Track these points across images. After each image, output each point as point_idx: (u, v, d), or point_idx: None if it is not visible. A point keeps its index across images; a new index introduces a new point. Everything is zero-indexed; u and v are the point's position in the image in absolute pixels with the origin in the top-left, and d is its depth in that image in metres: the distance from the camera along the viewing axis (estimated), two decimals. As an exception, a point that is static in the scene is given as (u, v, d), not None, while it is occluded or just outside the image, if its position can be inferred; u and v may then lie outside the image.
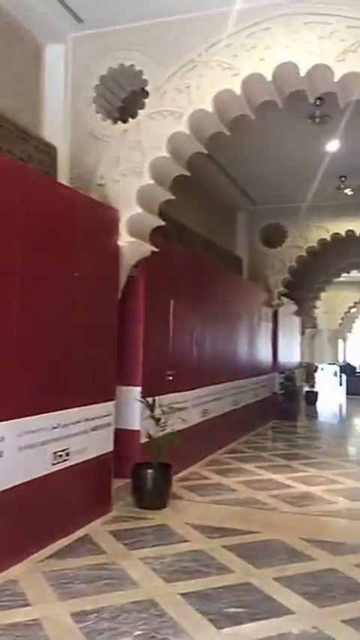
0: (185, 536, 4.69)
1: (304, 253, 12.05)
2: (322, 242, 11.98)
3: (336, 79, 4.87)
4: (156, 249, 5.86)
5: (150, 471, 5.43)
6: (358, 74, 4.82)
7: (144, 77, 5.44)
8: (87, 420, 4.87)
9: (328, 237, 11.90)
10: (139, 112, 5.47)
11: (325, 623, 3.22)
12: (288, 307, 13.82)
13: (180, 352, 7.10)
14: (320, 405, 15.74)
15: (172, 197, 5.80)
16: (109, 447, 5.24)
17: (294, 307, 14.67)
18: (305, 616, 3.32)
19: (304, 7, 4.95)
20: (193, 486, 6.33)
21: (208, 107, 5.18)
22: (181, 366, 7.01)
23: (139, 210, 5.44)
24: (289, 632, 3.12)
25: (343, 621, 3.25)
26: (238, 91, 5.11)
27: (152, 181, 5.41)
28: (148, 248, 5.78)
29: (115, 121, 5.66)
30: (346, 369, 21.41)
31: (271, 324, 12.47)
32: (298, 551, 4.40)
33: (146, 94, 5.45)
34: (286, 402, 12.56)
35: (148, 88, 5.43)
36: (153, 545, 4.46)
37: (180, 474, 6.65)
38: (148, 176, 5.39)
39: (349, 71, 4.82)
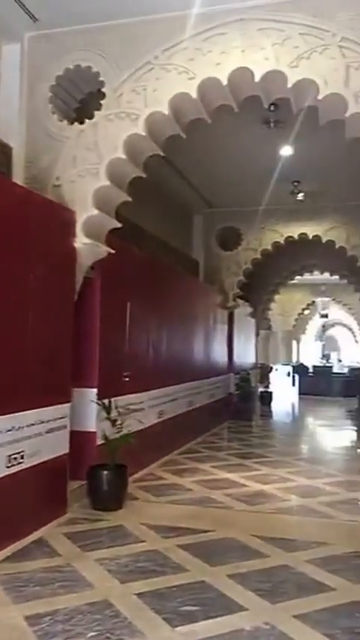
0: (141, 536, 4.68)
1: (258, 256, 12.22)
2: (276, 245, 12.17)
3: (289, 85, 4.96)
4: (112, 251, 5.83)
5: (106, 472, 5.40)
6: (310, 81, 4.91)
7: (100, 78, 5.42)
8: (42, 422, 4.81)
9: (282, 240, 12.11)
10: (96, 113, 5.44)
11: (277, 619, 3.26)
12: (243, 309, 13.97)
13: (136, 353, 7.09)
14: (274, 404, 15.95)
15: (129, 199, 5.79)
16: (65, 449, 5.18)
17: (249, 309, 14.83)
18: (258, 612, 3.36)
19: (258, 13, 5.02)
20: (149, 487, 6.33)
21: (165, 110, 5.20)
22: (137, 367, 6.99)
23: (95, 211, 5.40)
24: (242, 628, 3.15)
25: (295, 616, 3.30)
26: (194, 94, 5.14)
27: (109, 183, 5.38)
28: (104, 249, 5.74)
29: (71, 122, 5.61)
30: (300, 370, 21.74)
31: (226, 326, 12.58)
32: (251, 549, 4.45)
33: (103, 95, 5.43)
34: (241, 403, 12.69)
35: (104, 90, 5.41)
36: (108, 547, 4.43)
37: (136, 475, 6.63)
38: (105, 177, 5.36)
39: (302, 77, 4.91)
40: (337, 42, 4.87)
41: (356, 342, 30.10)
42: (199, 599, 3.50)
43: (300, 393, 19.53)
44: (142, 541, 4.57)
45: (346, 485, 6.74)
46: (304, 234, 11.94)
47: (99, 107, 5.43)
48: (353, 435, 11.38)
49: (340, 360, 29.56)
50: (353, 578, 3.92)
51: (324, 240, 11.83)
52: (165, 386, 8.03)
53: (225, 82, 5.08)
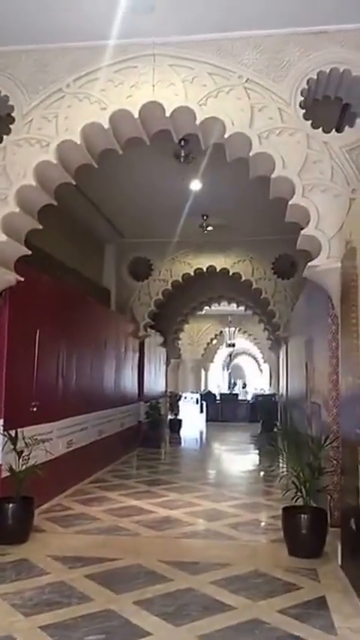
0: (46, 568, 4.52)
1: (169, 287, 12.40)
2: (186, 276, 12.40)
3: (197, 122, 5.10)
4: (22, 279, 5.68)
5: (10, 505, 5.20)
6: (217, 119, 5.08)
7: (10, 103, 5.30)
8: None
9: (191, 271, 12.38)
10: (5, 137, 5.30)
11: (180, 641, 3.24)
12: (154, 338, 14.05)
13: (45, 382, 6.90)
14: (183, 431, 16.06)
15: (40, 226, 5.68)
16: (-33, 482, 4.93)
17: (160, 338, 14.93)
18: (162, 636, 3.32)
19: (169, 49, 5.15)
20: (56, 518, 6.13)
21: (76, 138, 5.17)
22: (46, 396, 6.80)
23: (4, 237, 5.22)
24: (146, 654, 3.10)
25: (198, 637, 3.30)
26: (105, 125, 5.16)
27: (18, 209, 5.23)
28: (13, 277, 5.58)
29: (-22, 145, 5.46)
30: (207, 397, 22.08)
31: (137, 355, 12.57)
32: (157, 574, 4.41)
33: (12, 119, 5.31)
34: (150, 430, 12.67)
35: (14, 114, 5.30)
36: (12, 581, 4.24)
37: (43, 506, 6.41)
38: (14, 203, 5.20)
39: (210, 116, 5.08)
40: (242, 83, 5.09)
41: (260, 370, 30.96)
42: (104, 628, 3.42)
43: (207, 420, 19.82)
44: (48, 573, 4.41)
45: (249, 507, 6.88)
46: (213, 266, 12.28)
47: (8, 132, 5.32)
48: (256, 459, 11.61)
49: (244, 387, 30.23)
50: (253, 596, 3.99)
51: (231, 272, 12.23)
52: (75, 415, 7.86)
53: (136, 114, 5.15)
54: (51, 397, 7.03)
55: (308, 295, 7.74)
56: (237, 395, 24.00)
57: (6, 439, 5.47)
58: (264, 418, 14.71)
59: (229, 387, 29.74)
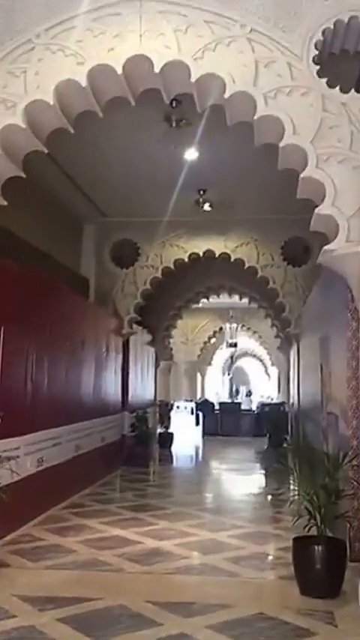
0: (12, 610, 4.52)
1: (159, 275, 12.36)
2: (179, 262, 12.37)
3: (192, 79, 5.08)
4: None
5: (-31, 534, 5.19)
6: (215, 76, 5.06)
7: (-32, 56, 5.29)
8: None
9: (185, 257, 12.34)
10: None
11: None
12: (141, 336, 14.05)
13: (11, 390, 6.89)
14: (175, 447, 16.10)
15: (4, 202, 5.67)
16: None
17: (148, 336, 14.94)
18: None
19: (158, -8, 5.13)
20: (24, 550, 6.13)
21: (49, 98, 5.15)
22: (11, 406, 6.78)
23: None
24: None
25: None
26: (83, 82, 5.14)
27: (-21, 182, 5.26)
28: (-28, 262, 5.58)
29: None
30: (204, 407, 22.03)
31: (121, 356, 12.56)
32: (144, 617, 4.41)
33: (-28, 76, 5.30)
34: (136, 446, 12.68)
35: (-26, 70, 5.29)
36: (-29, 625, 4.25)
37: (8, 537, 6.42)
38: (-26, 175, 5.23)
39: (206, 72, 5.06)
40: (246, 34, 5.07)
41: (267, 374, 30.96)
42: None
43: (205, 434, 19.91)
44: (14, 616, 4.41)
45: (254, 537, 6.90)
46: (211, 250, 12.25)
47: (-33, 90, 5.30)
48: (262, 480, 11.65)
49: (248, 395, 30.23)
50: (257, 643, 4.00)
51: (232, 258, 12.22)
52: (46, 428, 7.85)
53: (120, 70, 5.13)
54: (18, 407, 7.02)
55: (324, 285, 7.75)
56: (239, 404, 24.11)
57: None
58: (271, 431, 14.80)
59: (231, 395, 29.82)
